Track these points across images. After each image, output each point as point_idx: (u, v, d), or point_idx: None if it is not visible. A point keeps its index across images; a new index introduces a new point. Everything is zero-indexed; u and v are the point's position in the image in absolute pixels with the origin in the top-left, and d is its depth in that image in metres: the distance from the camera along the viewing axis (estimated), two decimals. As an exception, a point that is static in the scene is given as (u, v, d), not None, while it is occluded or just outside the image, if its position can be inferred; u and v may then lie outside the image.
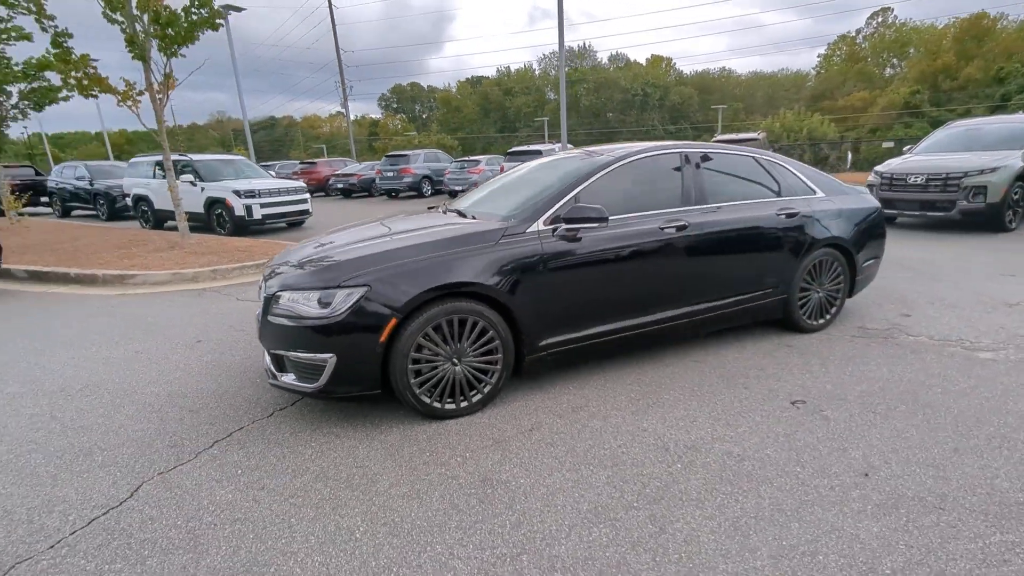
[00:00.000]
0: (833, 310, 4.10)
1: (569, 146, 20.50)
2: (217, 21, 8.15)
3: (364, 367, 2.73)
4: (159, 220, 12.54)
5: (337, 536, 2.07)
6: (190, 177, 11.60)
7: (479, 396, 2.99)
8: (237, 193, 11.07)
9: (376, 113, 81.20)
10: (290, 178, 23.85)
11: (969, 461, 2.38)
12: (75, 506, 2.31)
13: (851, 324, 4.20)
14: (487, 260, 2.88)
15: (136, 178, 13.19)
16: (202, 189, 11.50)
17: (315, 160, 25.33)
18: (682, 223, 3.38)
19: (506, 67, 62.36)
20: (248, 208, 11.09)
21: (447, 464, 2.53)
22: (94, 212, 16.05)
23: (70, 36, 7.86)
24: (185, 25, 7.70)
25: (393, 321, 2.69)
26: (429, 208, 4.09)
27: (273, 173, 15.28)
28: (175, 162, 12.22)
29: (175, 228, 11.27)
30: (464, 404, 2.96)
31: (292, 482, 2.44)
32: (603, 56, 63.40)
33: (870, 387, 3.14)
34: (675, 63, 60.19)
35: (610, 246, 3.19)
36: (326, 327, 2.67)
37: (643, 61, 58.82)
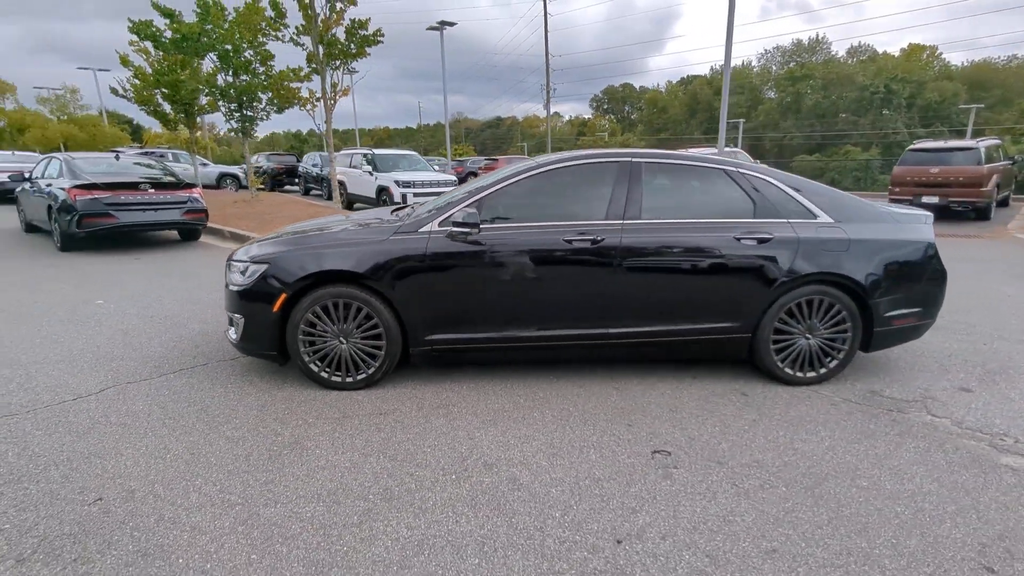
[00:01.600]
0: (832, 364, 3.23)
1: (742, 152, 18.61)
2: (378, 39, 9.67)
3: (263, 330, 3.23)
4: (350, 201, 15.23)
5: (156, 452, 2.61)
6: (369, 168, 13.87)
7: (363, 375, 3.26)
8: (397, 183, 12.87)
9: (588, 113, 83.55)
10: (477, 171, 26.48)
11: (768, 567, 1.84)
12: (65, 390, 3.30)
13: (863, 385, 3.26)
14: (371, 253, 3.12)
15: (341, 167, 16.21)
16: (375, 178, 13.63)
17: (497, 157, 27.57)
18: (595, 237, 3.10)
19: (720, 65, 57.76)
20: (404, 196, 12.79)
21: (287, 423, 2.89)
22: (320, 192, 20.16)
23: (272, 56, 10.17)
24: (350, 44, 9.32)
25: (283, 296, 3.14)
26: (393, 210, 4.37)
27: (437, 167, 17.14)
28: (362, 154, 14.81)
29: (361, 208, 13.65)
30: (349, 379, 3.26)
31: (182, 409, 3.07)
32: (839, 48, 54.03)
33: (774, 459, 2.51)
34: (940, 52, 47.75)
35: (502, 253, 3.12)
36: (240, 292, 3.26)
37: (896, 52, 48.20)
